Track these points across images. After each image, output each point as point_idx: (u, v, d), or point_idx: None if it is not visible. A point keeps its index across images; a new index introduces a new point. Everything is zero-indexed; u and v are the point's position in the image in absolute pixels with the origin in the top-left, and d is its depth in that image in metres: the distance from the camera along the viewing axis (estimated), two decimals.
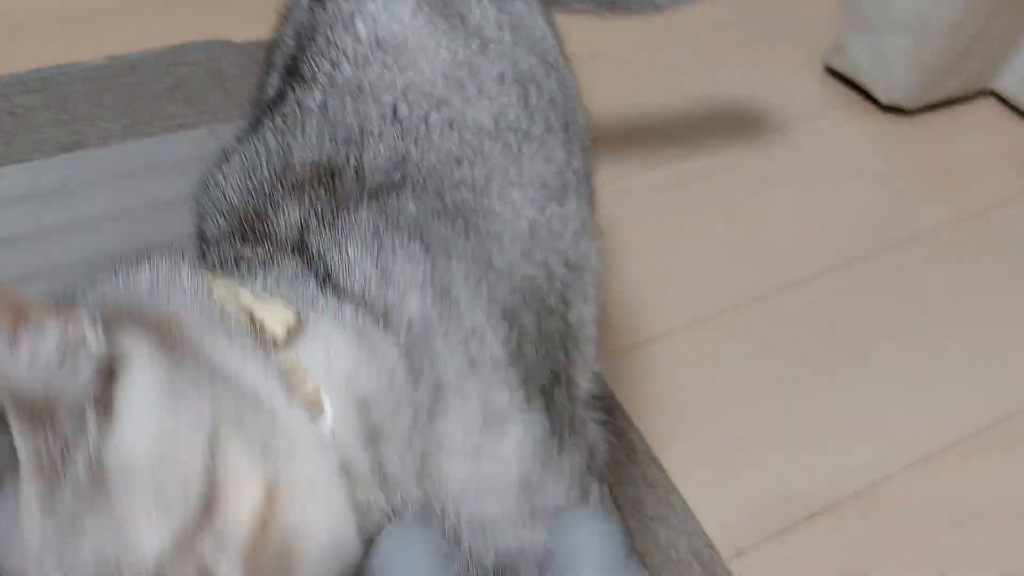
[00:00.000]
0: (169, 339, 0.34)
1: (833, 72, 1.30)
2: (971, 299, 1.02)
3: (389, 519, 0.35)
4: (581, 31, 1.31)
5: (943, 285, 1.03)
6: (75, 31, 1.22)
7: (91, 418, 0.31)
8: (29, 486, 0.30)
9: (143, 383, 0.32)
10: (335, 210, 0.41)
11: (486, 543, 0.35)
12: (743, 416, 0.88)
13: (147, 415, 0.32)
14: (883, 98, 1.23)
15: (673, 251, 1.04)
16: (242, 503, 0.31)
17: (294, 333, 0.35)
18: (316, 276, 0.37)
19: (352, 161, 0.43)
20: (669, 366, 0.92)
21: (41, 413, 0.30)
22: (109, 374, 0.32)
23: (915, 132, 1.23)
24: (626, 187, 1.10)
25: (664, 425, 0.86)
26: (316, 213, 0.41)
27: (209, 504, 0.31)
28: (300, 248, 0.39)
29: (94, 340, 0.33)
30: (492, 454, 0.36)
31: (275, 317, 0.35)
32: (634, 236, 1.05)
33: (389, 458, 0.35)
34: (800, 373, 0.92)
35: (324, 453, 0.34)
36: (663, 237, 1.05)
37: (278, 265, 0.38)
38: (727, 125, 1.21)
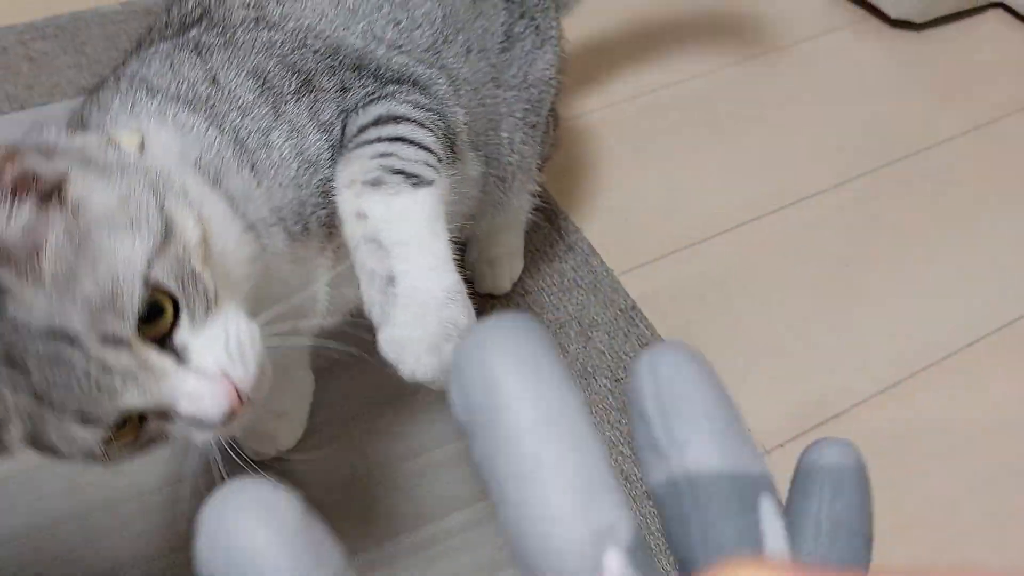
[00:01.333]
0: (85, 157, 0.47)
1: None
2: (986, 207, 1.03)
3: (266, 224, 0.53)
4: None
5: (958, 195, 1.04)
6: None
7: (58, 215, 0.43)
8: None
9: (89, 176, 0.45)
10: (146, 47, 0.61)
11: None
12: (764, 325, 0.90)
13: (103, 190, 0.45)
14: (892, 12, 1.23)
15: (687, 167, 1.05)
16: (188, 231, 0.45)
17: (144, 143, 0.50)
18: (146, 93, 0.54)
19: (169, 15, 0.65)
20: (692, 277, 0.94)
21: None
22: (58, 184, 0.44)
23: (925, 46, 1.23)
24: (636, 105, 1.12)
25: (687, 335, 0.89)
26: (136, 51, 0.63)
27: (168, 232, 0.44)
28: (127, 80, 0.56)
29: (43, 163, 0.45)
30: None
31: (130, 141, 0.50)
32: (649, 152, 1.06)
33: (236, 187, 0.52)
34: (818, 283, 0.94)
35: (209, 199, 0.50)
36: (679, 153, 1.06)
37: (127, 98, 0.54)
38: (734, 43, 1.22)
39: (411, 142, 0.55)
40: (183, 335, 0.44)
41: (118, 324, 0.42)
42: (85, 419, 0.42)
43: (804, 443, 0.73)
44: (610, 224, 0.98)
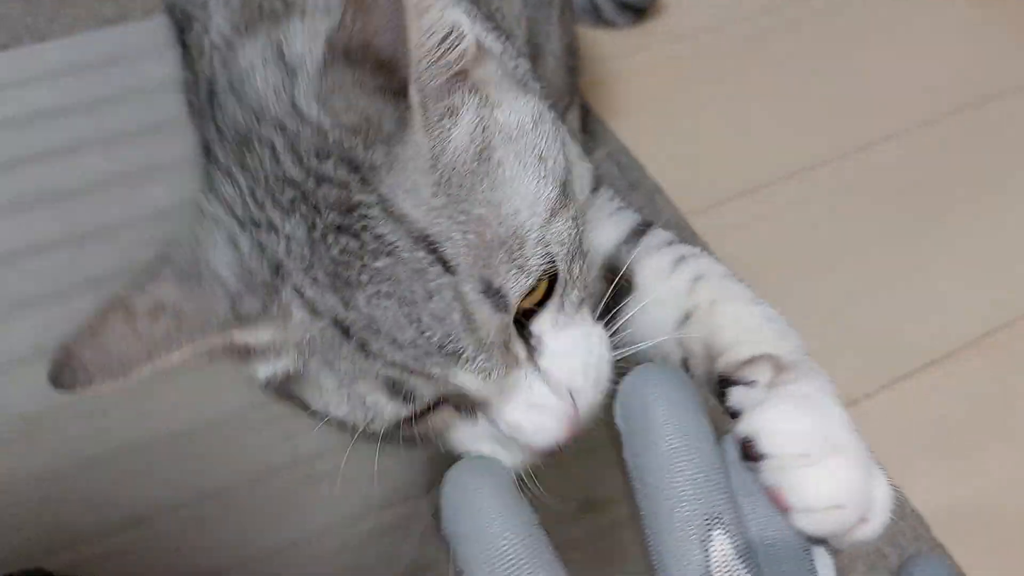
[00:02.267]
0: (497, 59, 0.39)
1: None
2: None
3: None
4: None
5: None
6: None
7: (471, 99, 0.34)
8: (422, 142, 0.31)
9: (503, 82, 0.36)
10: None
11: None
12: (850, 267, 0.82)
13: (515, 102, 0.35)
14: None
15: (764, 105, 0.97)
16: (580, 195, 0.40)
17: None
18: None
19: None
20: (770, 218, 0.86)
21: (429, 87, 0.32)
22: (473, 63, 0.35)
23: None
24: (703, 40, 1.03)
25: (775, 279, 0.81)
26: None
27: (566, 189, 0.35)
28: None
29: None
30: None
31: None
32: (716, 92, 0.98)
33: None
34: (903, 224, 0.86)
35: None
36: (753, 92, 0.98)
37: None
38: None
39: None
40: (543, 325, 0.34)
41: (512, 278, 0.31)
42: (396, 385, 0.32)
43: (891, 395, 0.65)
44: (675, 163, 0.90)
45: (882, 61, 1.04)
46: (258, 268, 0.33)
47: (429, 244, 0.30)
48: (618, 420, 0.29)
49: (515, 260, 0.31)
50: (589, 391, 0.35)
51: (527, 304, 0.34)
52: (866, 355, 0.75)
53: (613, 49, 1.00)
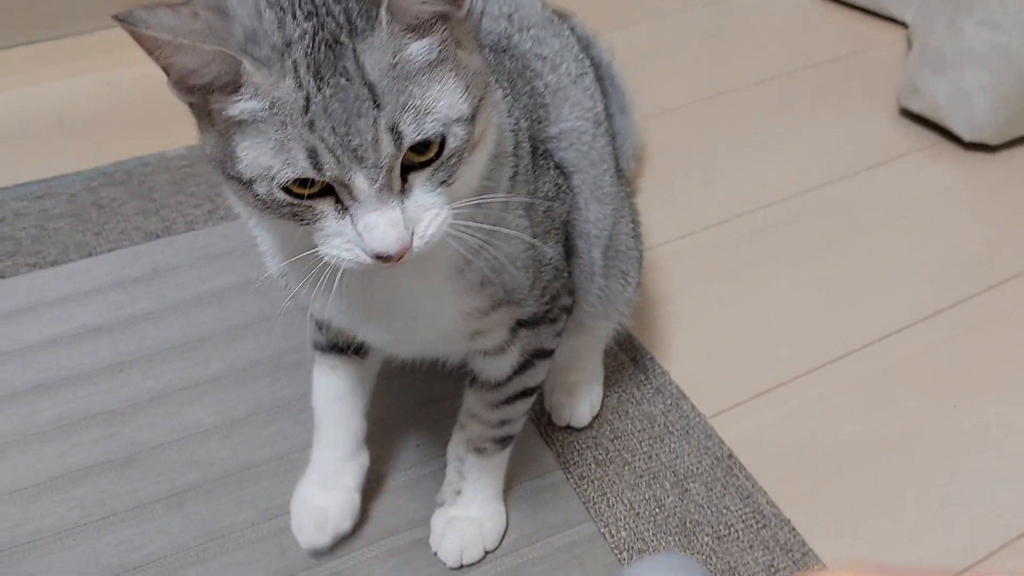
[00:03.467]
0: None
1: (909, 113, 1.29)
2: None
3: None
4: (651, 84, 1.33)
5: None
6: (154, 125, 1.26)
7: (440, 33, 0.49)
8: None
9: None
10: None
11: None
12: (868, 477, 0.84)
13: (471, 52, 0.53)
14: (966, 136, 1.21)
15: (768, 300, 1.01)
16: (493, 119, 0.55)
17: None
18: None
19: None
20: (786, 420, 0.88)
21: None
22: None
23: (1002, 168, 1.21)
24: (712, 234, 1.09)
25: (785, 488, 0.83)
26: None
27: (482, 104, 0.51)
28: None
29: None
30: None
31: None
32: (730, 286, 1.03)
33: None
34: (908, 422, 0.88)
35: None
36: (759, 286, 1.03)
37: None
38: (805, 172, 1.20)
39: None
40: (418, 180, 0.49)
41: (410, 129, 0.47)
42: (315, 154, 0.46)
43: None
44: (696, 362, 0.94)
45: (889, 246, 1.09)
46: (274, 34, 0.46)
47: (371, 88, 0.46)
48: None
49: (418, 121, 0.47)
50: (423, 237, 0.50)
51: (417, 159, 0.48)
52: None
53: None
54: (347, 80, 0.46)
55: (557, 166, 0.67)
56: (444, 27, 0.49)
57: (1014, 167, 1.21)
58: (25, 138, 1.26)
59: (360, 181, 0.47)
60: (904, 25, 1.48)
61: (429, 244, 0.50)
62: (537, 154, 0.66)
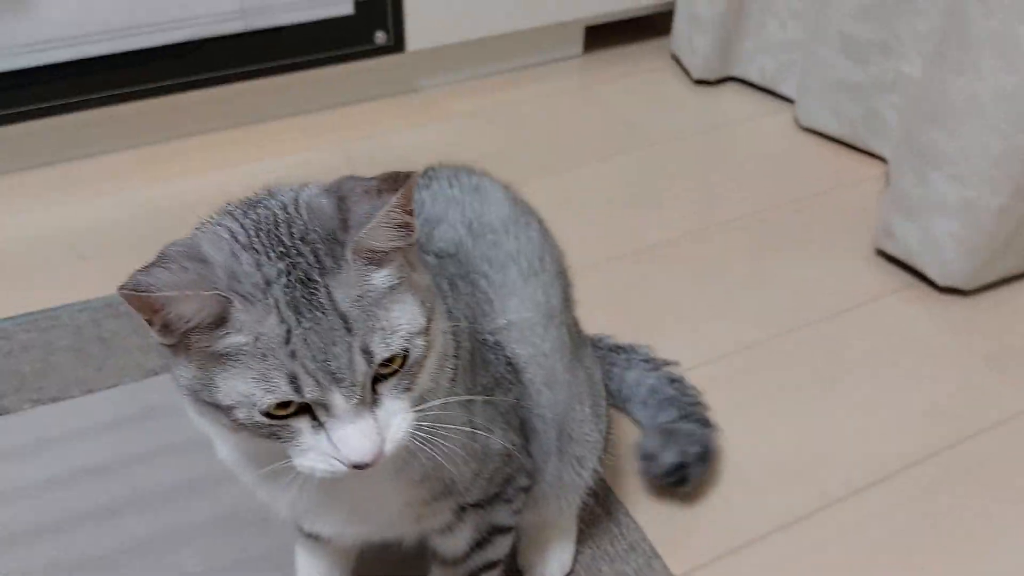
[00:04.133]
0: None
1: (885, 255, 1.34)
2: None
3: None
4: (628, 228, 1.39)
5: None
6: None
7: (396, 261, 0.56)
8: None
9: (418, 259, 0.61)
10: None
11: None
12: None
13: (423, 274, 0.60)
14: (939, 280, 1.26)
15: (742, 451, 1.05)
16: (438, 336, 0.59)
17: None
18: None
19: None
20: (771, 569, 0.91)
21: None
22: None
23: (977, 312, 1.26)
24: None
25: None
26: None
27: (430, 322, 0.57)
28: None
29: None
30: None
31: None
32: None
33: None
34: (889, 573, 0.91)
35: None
36: (727, 436, 1.06)
37: None
38: (783, 313, 1.25)
39: None
40: (385, 389, 0.55)
41: (379, 348, 0.53)
42: (295, 380, 0.51)
43: None
44: (669, 511, 0.97)
45: (864, 392, 1.13)
46: (254, 275, 0.52)
47: (343, 318, 0.52)
48: None
49: (386, 340, 0.53)
50: (391, 443, 0.55)
51: (383, 371, 0.54)
52: None
53: None
54: (322, 313, 0.51)
55: (508, 360, 0.72)
56: (399, 255, 0.55)
57: (988, 311, 1.26)
58: (37, 262, 1.32)
59: (338, 399, 0.52)
60: (884, 160, 1.54)
61: (398, 447, 0.55)
62: (486, 346, 0.71)
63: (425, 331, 0.56)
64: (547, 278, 0.77)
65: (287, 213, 0.54)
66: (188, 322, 0.51)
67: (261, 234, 0.53)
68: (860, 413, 1.10)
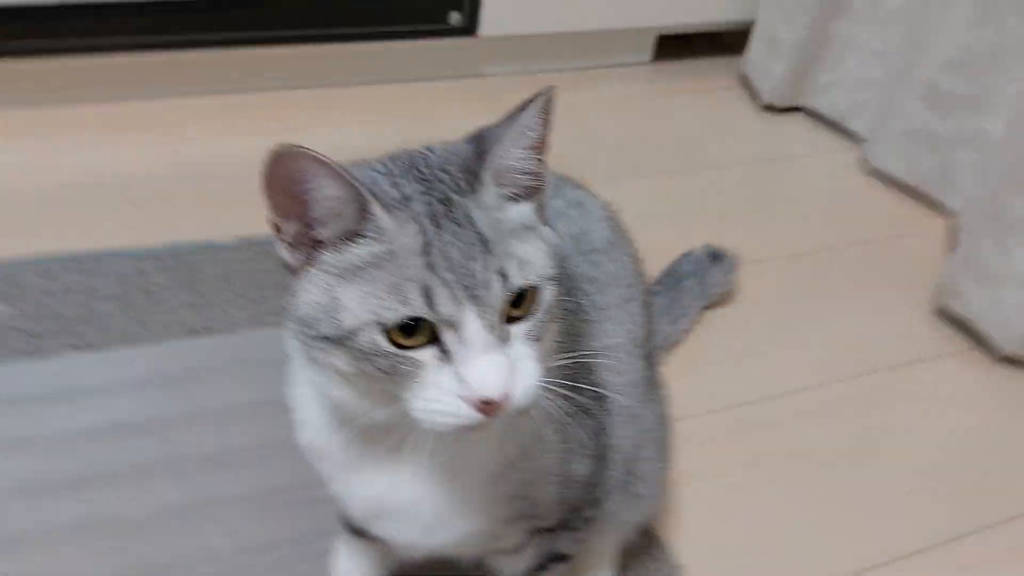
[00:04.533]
0: None
1: (944, 314, 1.31)
2: None
3: None
4: (677, 251, 1.36)
5: None
6: (213, 206, 1.30)
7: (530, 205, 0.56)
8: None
9: None
10: None
11: None
12: None
13: (551, 230, 0.59)
14: (1003, 348, 1.23)
15: (786, 502, 1.02)
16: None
17: None
18: None
19: None
20: None
21: None
22: None
23: None
24: (728, 418, 1.11)
25: None
26: None
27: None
28: None
29: None
30: None
31: None
32: (742, 478, 1.04)
33: None
34: None
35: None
36: (772, 484, 1.04)
37: None
38: (836, 361, 1.22)
39: None
40: (517, 331, 0.52)
41: (516, 274, 0.51)
42: (429, 291, 0.49)
43: None
44: (710, 554, 0.95)
45: (914, 457, 1.11)
46: (392, 192, 0.51)
47: (481, 237, 0.51)
48: None
49: (521, 269, 0.51)
50: (522, 389, 0.51)
51: (514, 312, 0.51)
52: None
53: None
54: (461, 228, 0.50)
55: (595, 385, 0.70)
56: (535, 196, 0.56)
57: None
58: (86, 203, 1.30)
59: (472, 320, 0.49)
60: (946, 211, 1.51)
61: (525, 399, 0.51)
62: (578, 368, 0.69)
63: (554, 280, 0.54)
64: (636, 307, 0.75)
65: (423, 153, 0.55)
66: (323, 227, 0.51)
67: (399, 165, 0.54)
68: (906, 476, 1.07)
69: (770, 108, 1.80)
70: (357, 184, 0.49)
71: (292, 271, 0.54)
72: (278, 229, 0.52)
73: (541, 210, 0.57)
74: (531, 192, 0.55)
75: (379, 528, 0.67)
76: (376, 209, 0.50)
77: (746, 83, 1.86)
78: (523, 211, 0.54)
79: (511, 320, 0.52)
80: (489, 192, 0.52)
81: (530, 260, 0.52)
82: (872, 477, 1.08)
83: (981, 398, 1.21)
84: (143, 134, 1.46)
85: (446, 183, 0.52)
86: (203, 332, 1.10)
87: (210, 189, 1.34)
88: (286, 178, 0.49)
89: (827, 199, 1.58)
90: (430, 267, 0.49)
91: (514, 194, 0.54)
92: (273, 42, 1.54)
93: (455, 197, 0.51)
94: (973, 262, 1.25)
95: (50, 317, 1.09)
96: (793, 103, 1.79)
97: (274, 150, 0.48)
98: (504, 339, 0.51)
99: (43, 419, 0.97)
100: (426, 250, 0.49)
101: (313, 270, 0.52)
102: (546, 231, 0.56)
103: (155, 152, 1.43)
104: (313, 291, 0.52)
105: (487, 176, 0.52)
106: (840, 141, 1.73)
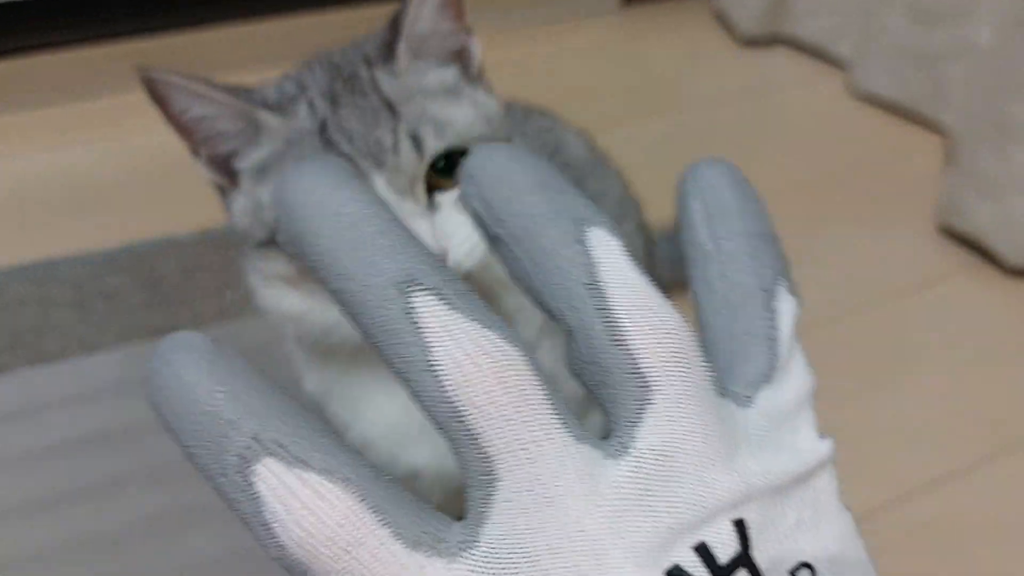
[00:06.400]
0: None
1: (949, 233, 1.28)
2: None
3: None
4: (667, 194, 1.32)
5: None
6: (168, 202, 1.26)
7: (453, 69, 0.57)
8: None
9: None
10: None
11: None
12: None
13: (486, 92, 0.59)
14: (1010, 259, 1.20)
15: None
16: None
17: None
18: None
19: None
20: None
21: None
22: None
23: None
24: None
25: None
26: None
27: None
28: None
29: None
30: None
31: None
32: None
33: None
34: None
35: None
36: None
37: None
38: (843, 292, 1.19)
39: None
40: (445, 199, 0.50)
41: (430, 139, 0.50)
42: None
43: None
44: None
45: (924, 390, 1.08)
46: (284, 89, 0.53)
47: (388, 102, 0.50)
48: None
49: (437, 131, 0.50)
50: (459, 248, 0.49)
51: (445, 183, 0.50)
52: None
53: None
54: (363, 98, 0.50)
55: None
56: (455, 59, 0.55)
57: None
58: (31, 210, 1.26)
59: (381, 188, 0.48)
60: (941, 129, 1.48)
61: (470, 258, 0.49)
62: None
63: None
64: (631, 228, 0.72)
65: (344, 45, 0.56)
66: (223, 142, 0.52)
67: (312, 62, 0.55)
68: (927, 404, 1.05)
69: (751, 43, 1.76)
70: (227, 95, 0.50)
71: (222, 192, 0.55)
72: (196, 153, 0.54)
73: (469, 69, 0.56)
74: (456, 56, 0.55)
75: (410, 456, 0.62)
76: (260, 113, 0.50)
77: (722, 18, 1.82)
78: (444, 74, 0.53)
79: (441, 189, 0.51)
80: (403, 61, 0.52)
81: (451, 121, 0.51)
82: (896, 407, 1.05)
83: (995, 314, 1.18)
84: (88, 134, 1.42)
85: (355, 62, 0.52)
86: (168, 331, 1.06)
87: (164, 183, 1.30)
88: (163, 106, 0.49)
89: (818, 128, 1.55)
90: (328, 143, 0.49)
91: (438, 61, 0.54)
92: (204, 24, 1.50)
93: (363, 72, 0.51)
94: (973, 175, 1.22)
95: (3, 333, 1.05)
96: (772, 31, 1.75)
97: (140, 79, 0.49)
98: (431, 207, 0.50)
99: (5, 438, 0.94)
100: (322, 128, 0.50)
101: (237, 185, 0.54)
102: (480, 95, 0.55)
103: (103, 151, 1.39)
104: (241, 200, 0.53)
105: (401, 46, 0.52)
106: (825, 68, 1.69)
